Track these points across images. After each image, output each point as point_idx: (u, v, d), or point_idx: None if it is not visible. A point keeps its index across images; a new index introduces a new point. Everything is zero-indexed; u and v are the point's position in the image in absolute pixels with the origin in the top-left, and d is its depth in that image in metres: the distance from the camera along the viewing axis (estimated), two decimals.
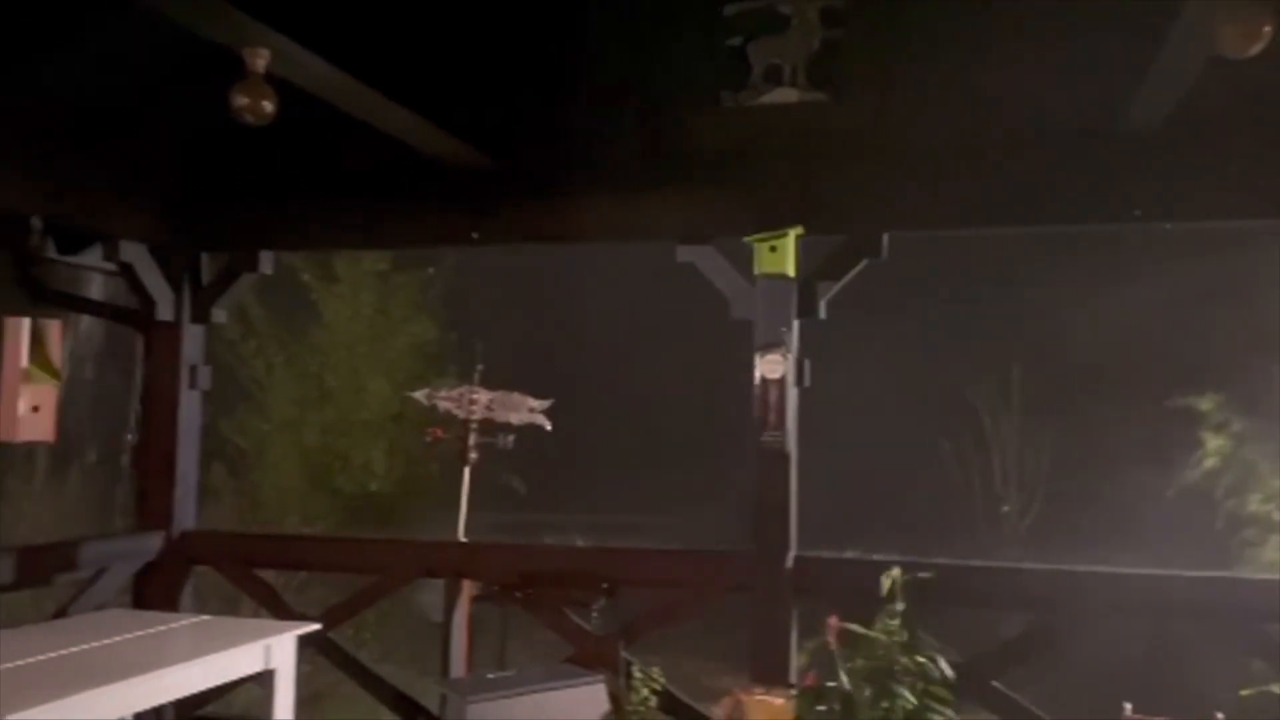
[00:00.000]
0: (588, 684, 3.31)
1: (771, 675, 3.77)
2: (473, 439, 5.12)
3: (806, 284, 4.00)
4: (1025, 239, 6.38)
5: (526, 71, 4.22)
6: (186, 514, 4.66)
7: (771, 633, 3.87)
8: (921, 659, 3.24)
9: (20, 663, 2.98)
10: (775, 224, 3.91)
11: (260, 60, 3.10)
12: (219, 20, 3.01)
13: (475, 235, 4.48)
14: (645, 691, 3.71)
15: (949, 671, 3.26)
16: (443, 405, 5.22)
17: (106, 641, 3.27)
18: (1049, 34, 3.55)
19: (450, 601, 4.40)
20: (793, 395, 3.97)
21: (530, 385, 5.13)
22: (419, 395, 5.45)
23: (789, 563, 3.92)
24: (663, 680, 3.68)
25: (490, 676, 3.37)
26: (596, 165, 4.22)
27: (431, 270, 9.49)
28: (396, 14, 4.09)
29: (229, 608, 5.85)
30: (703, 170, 4.11)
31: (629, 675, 3.82)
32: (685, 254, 4.17)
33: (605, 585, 3.93)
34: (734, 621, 3.97)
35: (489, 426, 5.16)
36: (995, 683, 3.80)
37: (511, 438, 5.22)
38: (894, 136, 3.94)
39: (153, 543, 4.54)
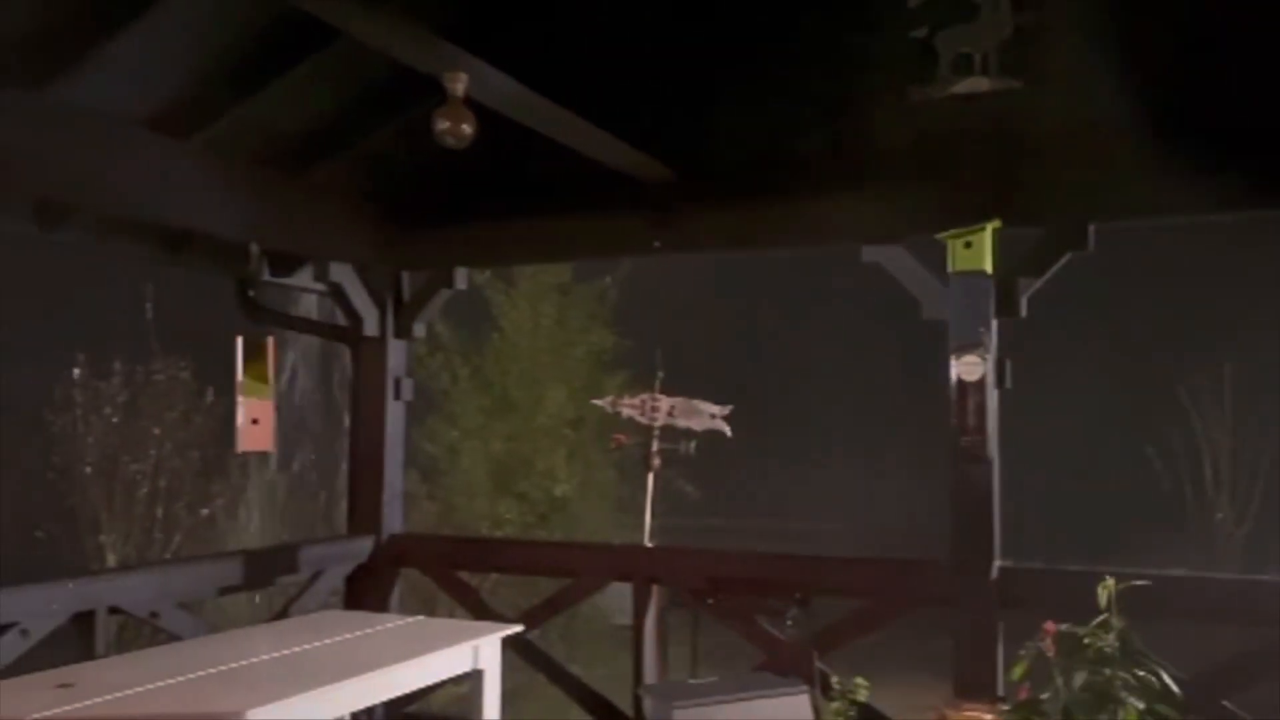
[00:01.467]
0: (791, 694, 3.27)
1: (978, 690, 3.62)
2: (655, 445, 5.17)
3: (1005, 281, 3.82)
4: (1241, 226, 5.90)
5: (706, 77, 4.23)
6: (394, 518, 4.91)
7: (976, 646, 3.71)
8: (1144, 673, 3.03)
9: (253, 660, 3.21)
10: (970, 219, 3.76)
11: (459, 84, 3.23)
12: (422, 49, 3.16)
13: (657, 244, 4.52)
14: (842, 703, 3.63)
15: (1175, 688, 3.03)
16: (626, 412, 5.29)
17: (327, 641, 3.47)
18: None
19: (641, 606, 4.45)
20: (993, 398, 3.80)
21: (707, 391, 5.14)
22: (603, 403, 5.54)
23: (994, 574, 3.75)
24: (866, 691, 3.59)
25: (693, 683, 3.38)
26: (779, 168, 4.19)
27: (608, 280, 9.69)
28: (576, 29, 4.21)
29: (425, 607, 6.13)
30: (890, 167, 4.00)
31: (826, 685, 3.75)
32: (872, 254, 4.07)
33: (798, 595, 3.87)
34: (939, 627, 3.83)
35: (670, 433, 5.20)
36: (1226, 702, 3.52)
37: (694, 444, 5.24)
38: (1095, 122, 3.72)
39: (363, 546, 4.81)
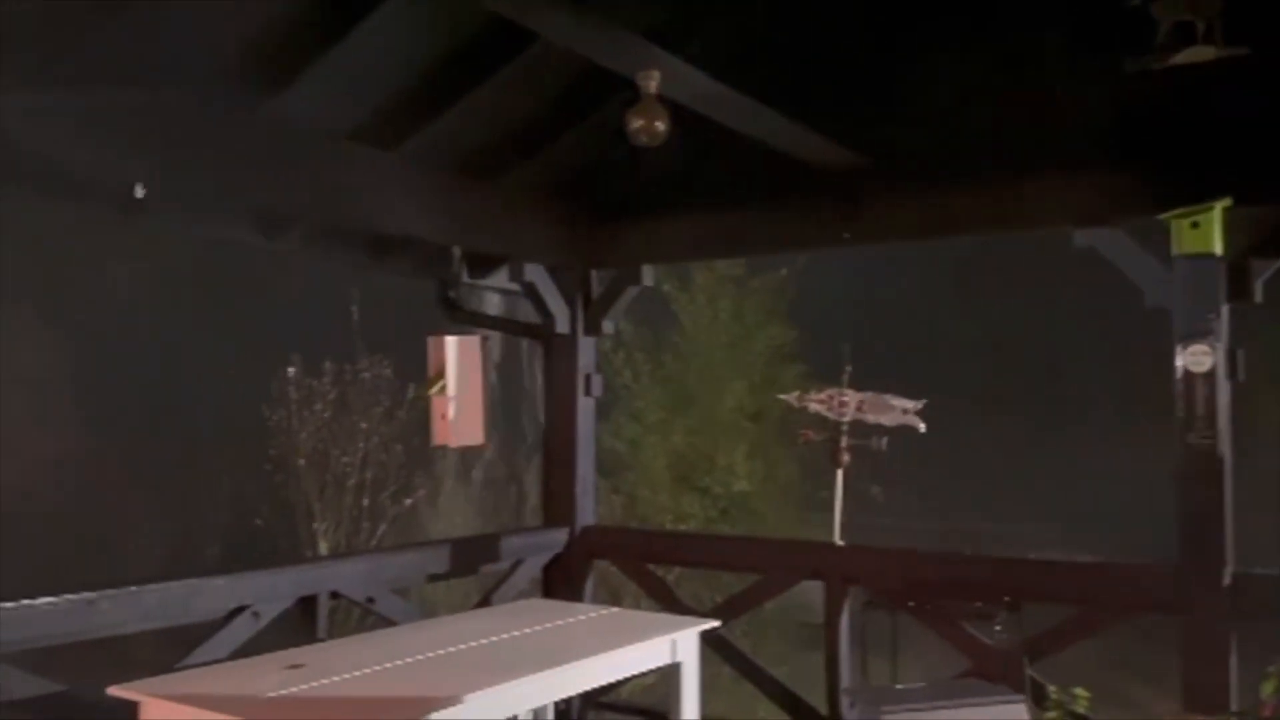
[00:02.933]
0: (1006, 702, 3.12)
1: (1209, 704, 3.35)
2: (844, 441, 5.06)
3: (1237, 263, 3.52)
4: None
5: (894, 59, 4.09)
6: (586, 511, 5.02)
7: (1207, 657, 3.44)
8: None
9: (466, 645, 3.34)
10: (1196, 197, 3.48)
11: (652, 82, 3.25)
12: (618, 48, 3.20)
13: (847, 235, 4.42)
14: (1059, 714, 3.43)
15: None
16: (813, 407, 5.20)
17: (533, 629, 3.57)
18: None
19: (835, 606, 4.36)
20: (1224, 391, 3.51)
21: (894, 385, 4.99)
22: (789, 397, 5.46)
23: (1226, 579, 3.47)
24: (1086, 702, 3.38)
25: (900, 687, 3.28)
26: (975, 150, 4.00)
27: (784, 272, 9.58)
28: (761, 21, 4.16)
29: (612, 598, 6.24)
30: (1103, 145, 3.75)
31: (1040, 695, 3.56)
32: (1084, 238, 3.83)
33: (1008, 599, 3.69)
34: (1167, 633, 3.58)
35: (860, 428, 5.08)
36: None
37: (885, 440, 5.10)
38: None
39: (558, 537, 4.93)
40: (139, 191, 3.37)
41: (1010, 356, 8.68)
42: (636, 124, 3.28)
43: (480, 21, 3.62)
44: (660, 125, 3.28)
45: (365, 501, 8.58)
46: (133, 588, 3.32)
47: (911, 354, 8.32)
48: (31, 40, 2.88)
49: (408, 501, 8.77)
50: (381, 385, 8.72)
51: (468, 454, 9.53)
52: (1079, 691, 3.41)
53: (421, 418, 8.58)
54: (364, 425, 8.67)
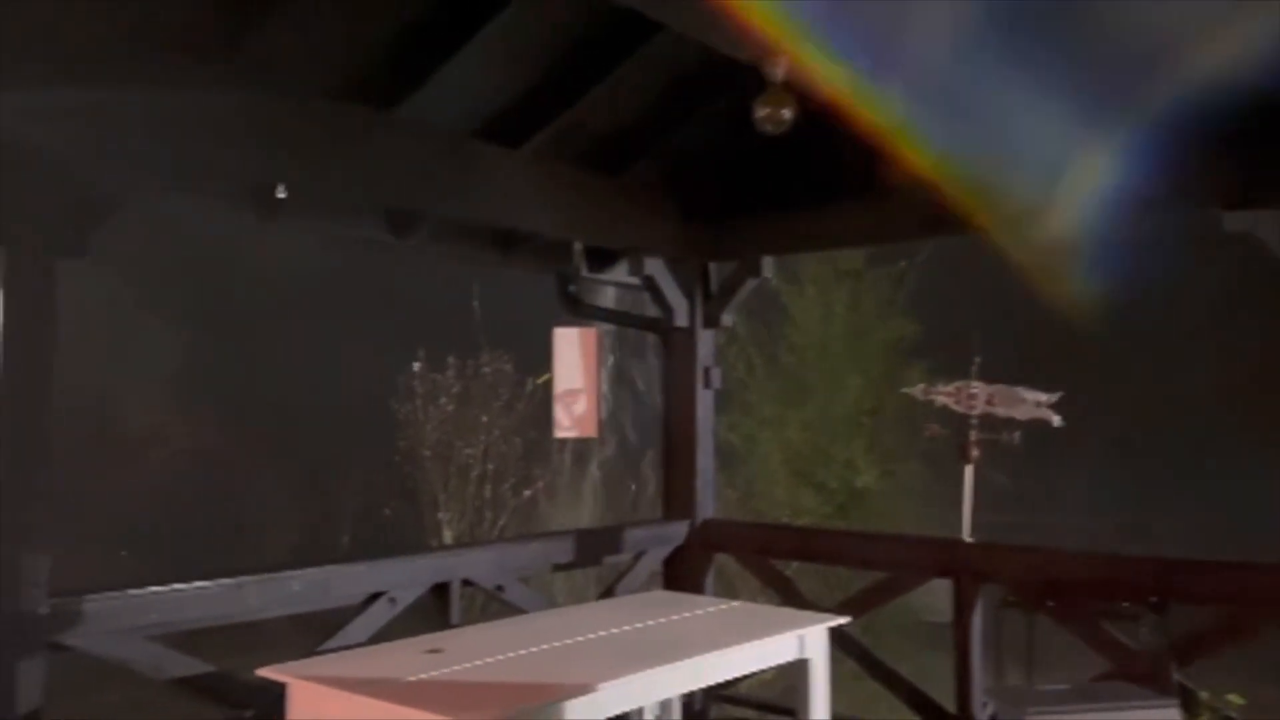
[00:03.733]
0: (1159, 706, 2.98)
1: None
2: (973, 435, 4.91)
3: None
4: None
5: (1025, 34, 3.93)
6: (706, 504, 5.01)
7: None
8: None
9: (597, 635, 3.37)
10: None
11: (780, 69, 3.21)
12: (744, 36, 3.17)
13: (980, 223, 4.28)
14: (1209, 719, 3.27)
15: None
16: (940, 400, 5.07)
17: (661, 620, 3.59)
18: None
19: (966, 605, 4.24)
20: None
21: (1025, 378, 4.83)
22: (915, 391, 5.34)
23: None
24: (1239, 709, 3.20)
25: (1043, 689, 3.17)
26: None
27: (903, 264, 9.37)
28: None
29: (728, 591, 6.21)
30: (1261, 115, 3.51)
31: (1189, 700, 3.39)
32: (1236, 221, 3.61)
33: (1154, 599, 3.52)
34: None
35: (989, 422, 4.92)
36: None
37: (1018, 434, 4.93)
38: None
39: (679, 530, 4.93)
40: (281, 192, 3.51)
41: (1153, 345, 8.29)
42: (763, 112, 3.23)
43: (604, 15, 3.64)
44: (787, 113, 3.23)
45: (487, 493, 8.78)
46: (277, 573, 3.47)
47: (1045, 345, 8.01)
48: (181, 45, 3.03)
49: (527, 493, 8.94)
50: (501, 379, 8.91)
51: (583, 447, 9.63)
52: (1232, 698, 3.24)
53: (539, 411, 8.78)
54: (485, 418, 8.87)
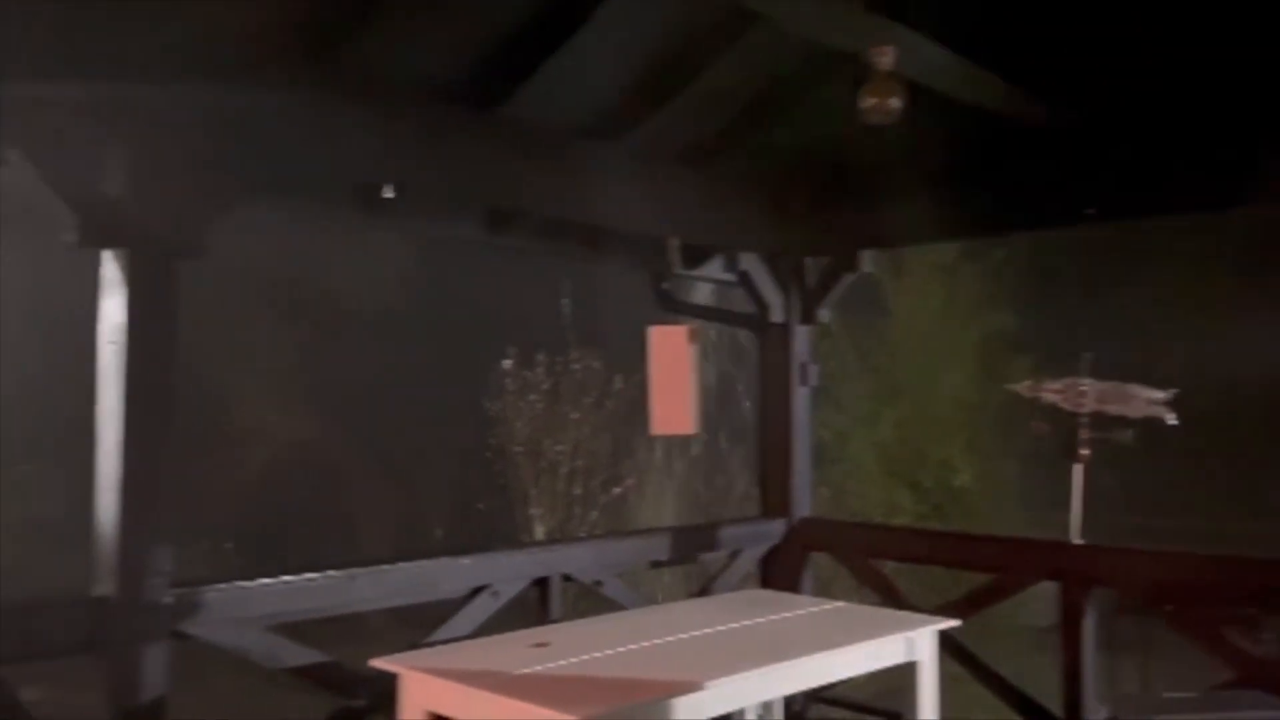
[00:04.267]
0: None
1: None
2: (1083, 433, 4.76)
3: None
4: None
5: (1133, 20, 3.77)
6: (803, 502, 4.95)
7: None
8: None
9: (700, 632, 3.34)
10: None
11: (886, 58, 3.14)
12: (849, 25, 3.11)
13: (1090, 210, 4.14)
14: None
15: None
16: (1048, 398, 4.93)
17: (764, 620, 3.55)
18: None
19: (1074, 608, 4.11)
20: None
21: (1132, 374, 4.66)
22: (1021, 388, 5.20)
23: None
24: None
25: (1169, 697, 3.04)
26: (1247, 110, 3.63)
27: (1001, 256, 9.12)
28: None
29: (822, 590, 6.13)
30: None
31: None
32: None
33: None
34: None
35: (1099, 420, 4.77)
36: None
37: (1130, 433, 4.77)
38: None
39: (775, 528, 4.88)
40: (388, 192, 3.57)
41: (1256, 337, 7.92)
42: (869, 102, 3.16)
43: (702, 9, 3.62)
44: (895, 103, 3.15)
45: (577, 489, 8.84)
46: (385, 566, 3.53)
47: (1157, 341, 7.73)
48: (287, 49, 3.10)
49: (616, 490, 8.96)
50: (591, 376, 8.95)
51: (671, 444, 9.61)
52: None
53: (628, 408, 8.81)
54: (575, 415, 8.92)
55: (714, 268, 4.98)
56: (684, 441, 8.92)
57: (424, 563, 3.66)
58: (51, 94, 2.71)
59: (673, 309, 5.02)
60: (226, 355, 8.10)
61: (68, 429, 3.66)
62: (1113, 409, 4.68)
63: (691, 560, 4.88)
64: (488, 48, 3.54)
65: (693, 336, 4.75)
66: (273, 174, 3.46)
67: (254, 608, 3.18)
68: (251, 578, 3.23)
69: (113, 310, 2.89)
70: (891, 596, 4.57)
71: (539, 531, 8.76)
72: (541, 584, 3.97)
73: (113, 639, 2.83)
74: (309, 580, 3.33)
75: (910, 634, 3.38)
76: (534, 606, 3.98)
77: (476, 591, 3.74)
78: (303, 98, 3.15)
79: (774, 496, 4.98)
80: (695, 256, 4.92)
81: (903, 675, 3.47)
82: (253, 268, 7.14)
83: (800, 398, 5.00)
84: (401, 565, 3.59)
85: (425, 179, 3.61)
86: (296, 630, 3.33)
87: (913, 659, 3.38)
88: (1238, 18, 3.45)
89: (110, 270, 2.90)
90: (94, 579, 2.86)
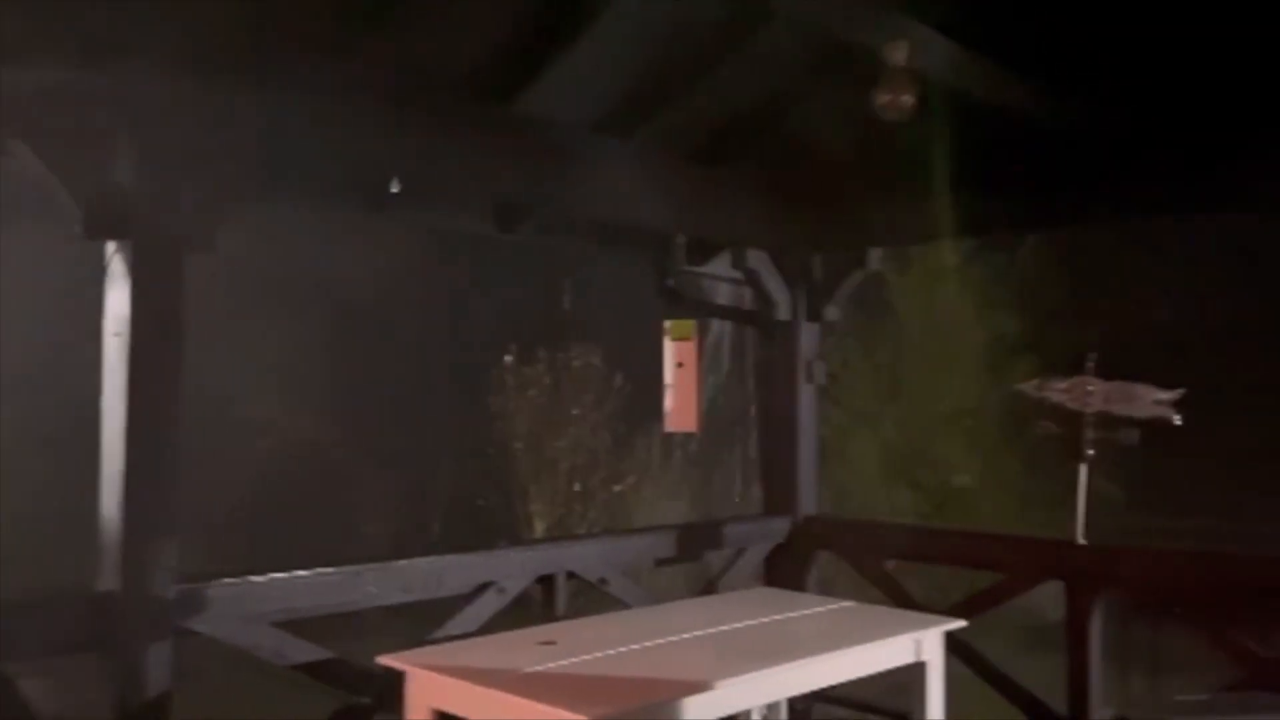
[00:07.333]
0: None
1: None
2: (1089, 433, 4.74)
3: None
4: None
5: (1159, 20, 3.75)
6: (809, 500, 4.93)
7: None
8: None
9: (708, 631, 3.32)
10: None
11: (900, 53, 3.12)
12: (863, 20, 3.09)
13: (1106, 210, 4.13)
14: None
15: None
16: (1054, 397, 4.91)
17: (771, 619, 3.52)
18: None
19: (1080, 608, 4.09)
20: None
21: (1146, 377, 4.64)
22: (1027, 387, 5.18)
23: None
24: None
25: (1182, 699, 3.02)
26: (1250, 113, 3.61)
27: (1007, 256, 9.11)
28: None
29: (825, 588, 6.11)
30: None
31: None
32: None
33: None
34: None
35: (1105, 420, 4.75)
36: None
37: (1136, 433, 4.75)
38: None
39: (781, 526, 4.86)
40: (395, 186, 3.54)
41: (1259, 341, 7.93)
42: (883, 99, 3.14)
43: (712, 5, 3.59)
44: (909, 99, 3.13)
45: (576, 486, 8.82)
46: (393, 563, 3.51)
47: (1167, 342, 7.71)
48: (301, 45, 3.08)
49: (617, 488, 8.94)
50: (591, 373, 8.93)
51: (671, 442, 9.60)
52: None
53: (627, 404, 8.78)
54: (575, 412, 8.90)
55: (721, 264, 4.96)
56: (685, 439, 8.90)
57: (430, 559, 3.64)
58: (58, 85, 2.69)
59: (680, 306, 4.99)
60: (229, 349, 8.06)
61: (73, 421, 3.63)
62: (1118, 409, 4.66)
63: (697, 558, 4.86)
64: (498, 44, 3.52)
65: (698, 335, 4.74)
66: (280, 168, 3.44)
67: (260, 603, 3.15)
68: (261, 573, 3.21)
69: (117, 302, 2.86)
70: (897, 595, 4.56)
71: (539, 528, 8.75)
72: (546, 581, 3.94)
73: (117, 635, 2.80)
74: (317, 575, 3.31)
75: (918, 635, 3.37)
76: (537, 603, 3.97)
77: (482, 588, 3.72)
78: (312, 92, 3.12)
79: (778, 494, 4.96)
80: (702, 253, 4.90)
81: (908, 671, 3.45)
82: (258, 262, 7.11)
83: (805, 395, 4.98)
84: (408, 561, 3.57)
85: (433, 174, 3.58)
86: (299, 626, 3.31)
87: (921, 659, 3.36)
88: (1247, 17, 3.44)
89: (115, 262, 2.86)
90: (98, 574, 2.83)
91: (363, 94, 3.24)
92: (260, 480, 8.51)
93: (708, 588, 4.66)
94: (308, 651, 3.23)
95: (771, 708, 3.80)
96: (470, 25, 3.42)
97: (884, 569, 4.72)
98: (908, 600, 4.43)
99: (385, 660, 2.94)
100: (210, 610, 3.03)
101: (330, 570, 3.30)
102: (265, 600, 3.16)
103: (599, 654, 2.97)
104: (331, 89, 3.16)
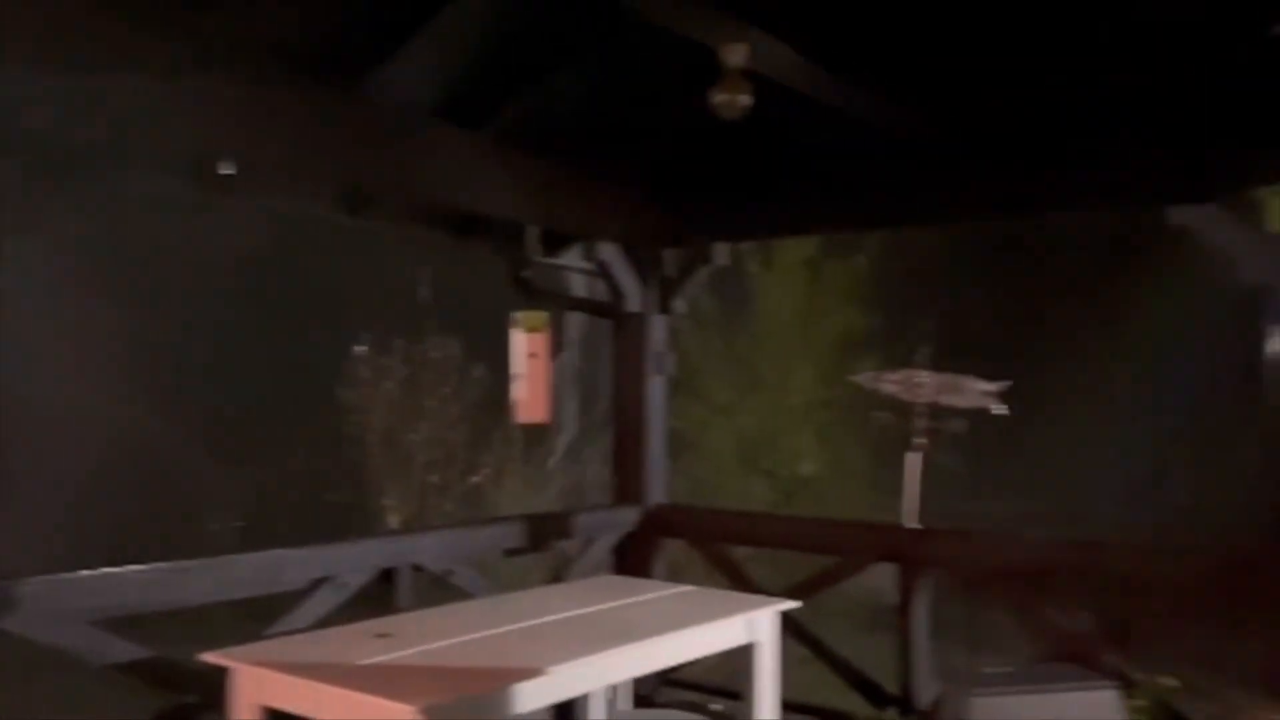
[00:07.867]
0: (1100, 689, 3.05)
1: None
2: (919, 423, 5.00)
3: None
4: None
5: (983, 27, 3.97)
6: (657, 490, 5.02)
7: None
8: None
9: (546, 619, 3.35)
10: None
11: (737, 55, 3.21)
12: (705, 22, 3.16)
13: (940, 211, 4.35)
14: (1146, 702, 3.35)
15: None
16: (887, 389, 5.15)
17: (611, 605, 3.58)
18: None
19: (910, 589, 4.31)
20: None
21: (982, 369, 4.93)
22: (862, 378, 5.42)
23: None
24: (1174, 691, 3.30)
25: (988, 671, 3.23)
26: (1062, 122, 3.87)
27: (859, 257, 9.47)
28: None
29: (674, 575, 6.24)
30: (1219, 116, 3.58)
31: (1126, 683, 3.48)
32: (1179, 215, 3.69)
33: (1100, 585, 3.61)
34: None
35: (935, 410, 5.02)
36: None
37: (964, 422, 5.03)
38: None
39: (630, 516, 4.94)
40: (227, 168, 3.43)
41: (1096, 336, 8.50)
42: (720, 98, 3.23)
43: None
44: (743, 99, 3.23)
45: (433, 478, 8.70)
46: (224, 558, 3.40)
47: (999, 339, 8.17)
48: (141, 23, 2.95)
49: (473, 480, 8.86)
50: (450, 364, 8.81)
51: (532, 434, 9.58)
52: (1168, 681, 3.33)
53: (486, 397, 8.71)
54: (432, 403, 8.77)
55: (574, 256, 4.99)
56: (549, 431, 8.90)
57: (265, 554, 3.55)
58: None
59: (533, 297, 5.00)
60: (51, 337, 7.59)
61: None
62: (946, 400, 4.92)
63: (546, 548, 4.87)
64: (345, 25, 3.44)
65: (550, 326, 4.76)
66: (116, 150, 3.29)
67: (74, 601, 3.01)
68: (75, 569, 3.06)
69: None
70: (739, 579, 4.69)
71: (393, 521, 8.59)
72: (390, 575, 3.89)
73: None
74: (135, 573, 3.17)
75: (750, 615, 3.48)
76: (382, 598, 3.91)
77: (319, 583, 3.64)
78: (149, 71, 2.99)
79: (628, 484, 5.03)
80: (556, 245, 4.92)
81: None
82: (86, 247, 6.73)
83: (655, 386, 5.07)
84: (242, 555, 3.47)
85: (271, 154, 3.48)
86: (139, 626, 3.18)
87: (753, 640, 3.48)
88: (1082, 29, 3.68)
89: None
90: None
91: (203, 73, 3.12)
92: (93, 476, 8.06)
93: (555, 578, 4.70)
94: (126, 651, 3.10)
95: (615, 691, 3.87)
96: (316, 4, 3.34)
97: (727, 555, 4.86)
98: (748, 584, 4.57)
99: (208, 657, 2.85)
100: (23, 609, 2.88)
101: (153, 567, 3.17)
102: (80, 598, 3.02)
103: (436, 645, 2.97)
104: (170, 69, 3.04)
